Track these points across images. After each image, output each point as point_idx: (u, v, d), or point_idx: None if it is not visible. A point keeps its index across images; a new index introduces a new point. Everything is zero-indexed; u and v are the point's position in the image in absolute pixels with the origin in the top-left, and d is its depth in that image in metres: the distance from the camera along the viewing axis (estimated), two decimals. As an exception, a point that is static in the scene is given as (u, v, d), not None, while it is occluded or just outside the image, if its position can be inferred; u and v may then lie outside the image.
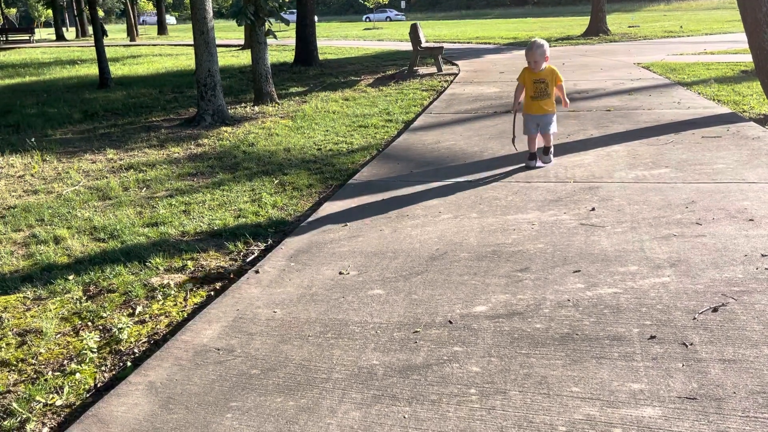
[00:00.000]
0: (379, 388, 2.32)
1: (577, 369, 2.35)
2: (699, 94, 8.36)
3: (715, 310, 2.72)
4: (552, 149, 5.26)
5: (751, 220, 3.71)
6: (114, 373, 2.68)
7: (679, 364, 2.34)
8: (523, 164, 5.23)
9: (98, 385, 2.59)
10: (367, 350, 2.58)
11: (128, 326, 3.03)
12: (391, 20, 57.90)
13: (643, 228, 3.71)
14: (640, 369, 2.33)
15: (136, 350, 2.85)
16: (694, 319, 2.66)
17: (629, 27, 26.29)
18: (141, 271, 3.69)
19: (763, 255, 3.22)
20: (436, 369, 2.42)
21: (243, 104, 9.88)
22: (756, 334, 2.51)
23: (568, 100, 5.31)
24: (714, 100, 7.86)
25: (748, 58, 9.55)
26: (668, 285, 2.97)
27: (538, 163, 5.20)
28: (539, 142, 5.22)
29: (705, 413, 2.06)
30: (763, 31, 6.69)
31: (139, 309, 3.23)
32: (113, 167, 6.30)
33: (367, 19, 58.72)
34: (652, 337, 2.53)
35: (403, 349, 2.57)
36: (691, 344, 2.47)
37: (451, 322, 2.76)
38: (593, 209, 4.08)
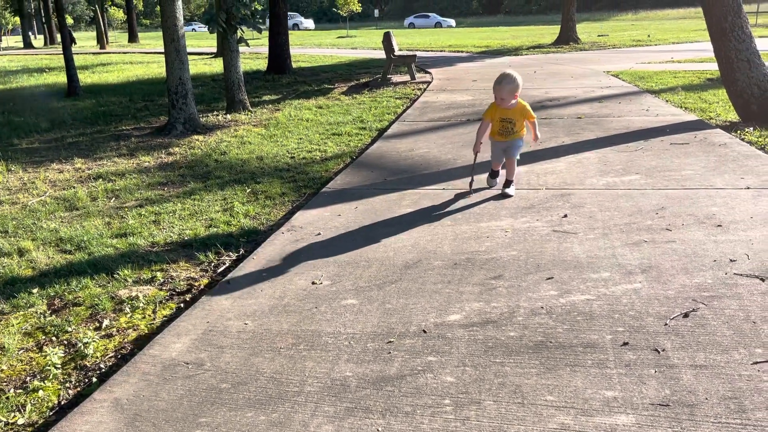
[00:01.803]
0: (352, 400, 2.28)
1: (551, 377, 2.35)
2: (667, 101, 8.51)
3: (686, 315, 2.74)
4: (514, 182, 4.70)
5: (719, 225, 3.77)
6: (79, 389, 2.59)
7: (651, 370, 2.35)
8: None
9: (62, 403, 2.51)
10: (340, 362, 2.54)
11: (94, 341, 2.95)
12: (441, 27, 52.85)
13: (614, 234, 3.73)
14: (613, 376, 2.33)
15: (102, 365, 2.77)
16: (666, 324, 2.67)
17: (599, 36, 26.74)
18: (108, 283, 3.60)
19: (731, 260, 3.26)
20: (410, 380, 2.39)
21: (215, 112, 9.78)
22: (726, 339, 2.53)
23: (539, 135, 4.82)
24: (681, 107, 8.00)
25: (713, 67, 9.75)
26: (640, 291, 2.99)
27: (497, 186, 4.78)
28: (503, 173, 4.78)
29: (678, 420, 2.07)
30: (728, 40, 6.84)
31: (106, 322, 3.14)
32: (81, 177, 6.16)
33: (411, 26, 54.45)
34: (625, 344, 2.54)
35: (377, 360, 2.54)
36: (663, 350, 2.48)
37: (425, 332, 2.74)
38: (565, 216, 4.11)
